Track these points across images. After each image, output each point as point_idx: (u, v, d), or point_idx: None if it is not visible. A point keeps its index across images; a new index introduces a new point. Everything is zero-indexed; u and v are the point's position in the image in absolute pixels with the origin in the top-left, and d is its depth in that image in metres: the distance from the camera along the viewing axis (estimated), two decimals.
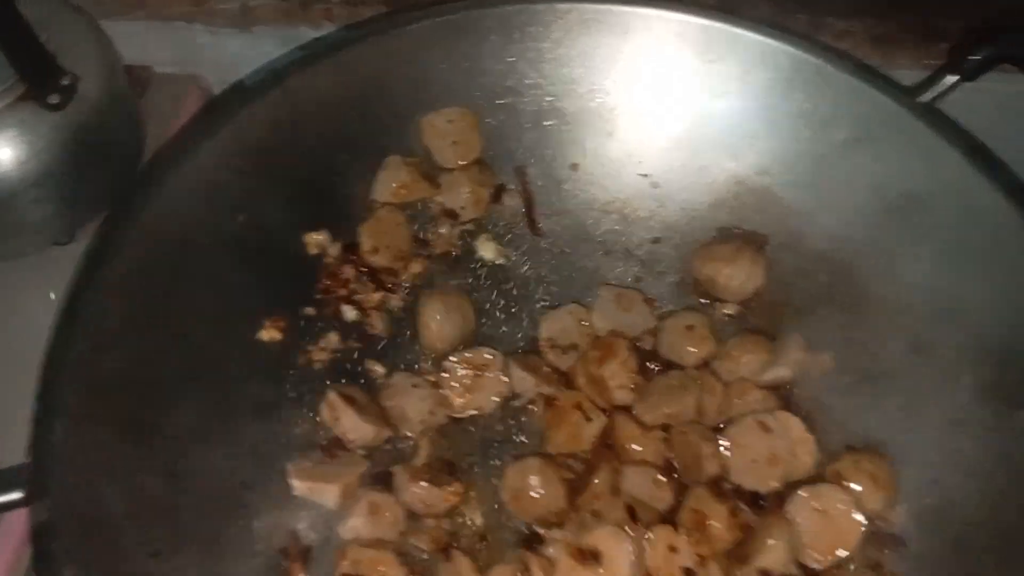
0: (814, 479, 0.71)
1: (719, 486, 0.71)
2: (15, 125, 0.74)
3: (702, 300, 0.81)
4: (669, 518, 0.70)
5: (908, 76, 0.77)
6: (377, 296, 0.80)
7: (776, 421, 0.72)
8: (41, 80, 0.74)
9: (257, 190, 0.76)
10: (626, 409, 0.75)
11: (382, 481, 0.73)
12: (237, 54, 0.94)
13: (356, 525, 0.70)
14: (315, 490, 0.71)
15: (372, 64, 0.79)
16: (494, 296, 0.81)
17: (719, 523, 0.68)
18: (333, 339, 0.79)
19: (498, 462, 0.74)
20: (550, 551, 0.68)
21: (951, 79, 0.75)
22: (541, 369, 0.77)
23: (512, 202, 0.84)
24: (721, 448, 0.72)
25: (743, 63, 0.79)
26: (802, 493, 0.70)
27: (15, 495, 0.61)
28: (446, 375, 0.76)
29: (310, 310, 0.79)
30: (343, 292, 0.80)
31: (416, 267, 0.82)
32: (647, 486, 0.71)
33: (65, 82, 0.75)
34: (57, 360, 0.65)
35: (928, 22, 0.85)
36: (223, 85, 0.85)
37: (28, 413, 0.64)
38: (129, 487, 0.66)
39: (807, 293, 0.79)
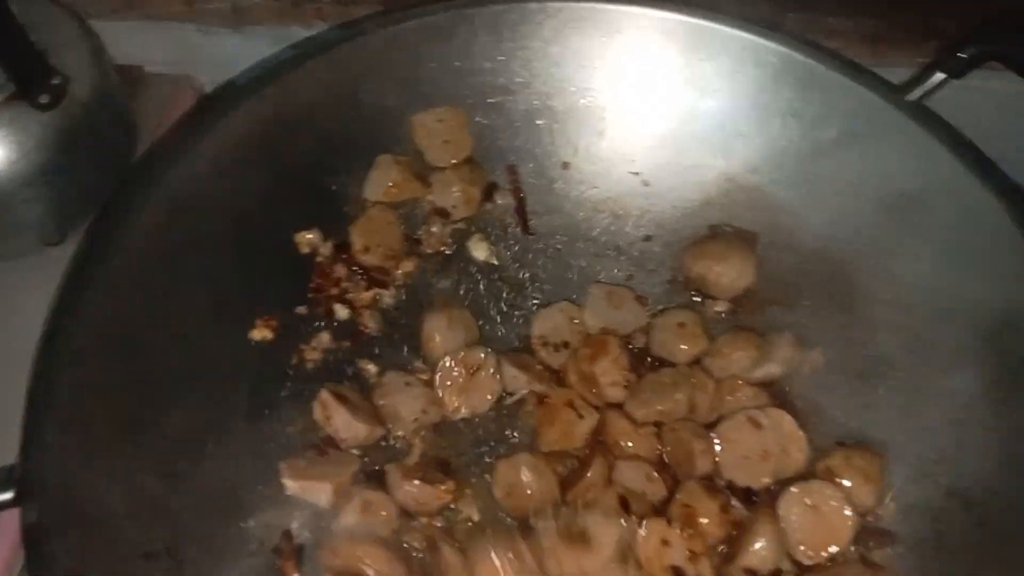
0: (805, 475, 0.72)
1: (711, 481, 0.72)
2: (5, 125, 0.74)
3: (694, 298, 0.81)
4: (662, 511, 0.70)
5: (900, 74, 0.78)
6: (369, 295, 0.80)
7: (767, 417, 0.72)
8: (31, 80, 0.74)
9: (248, 189, 0.76)
10: (618, 406, 0.75)
11: (375, 479, 0.73)
12: (229, 54, 0.93)
13: (349, 523, 0.70)
14: (307, 489, 0.71)
15: (363, 63, 0.80)
16: (486, 295, 0.82)
17: (708, 518, 0.69)
18: (325, 338, 0.79)
19: (491, 460, 0.74)
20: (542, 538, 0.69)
21: (939, 77, 0.75)
22: (533, 367, 0.77)
23: (503, 201, 0.84)
24: (714, 445, 0.72)
25: (732, 61, 0.79)
26: (793, 489, 0.70)
27: (5, 496, 0.61)
28: (440, 375, 0.76)
29: (302, 309, 0.79)
30: (335, 291, 0.80)
31: (408, 266, 0.82)
32: (640, 480, 0.71)
33: (55, 82, 0.75)
34: (48, 360, 0.65)
35: (920, 20, 0.86)
36: (215, 85, 0.85)
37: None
38: (122, 488, 0.65)
39: (797, 290, 0.79)
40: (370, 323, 0.80)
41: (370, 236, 0.80)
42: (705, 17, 0.79)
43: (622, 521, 0.68)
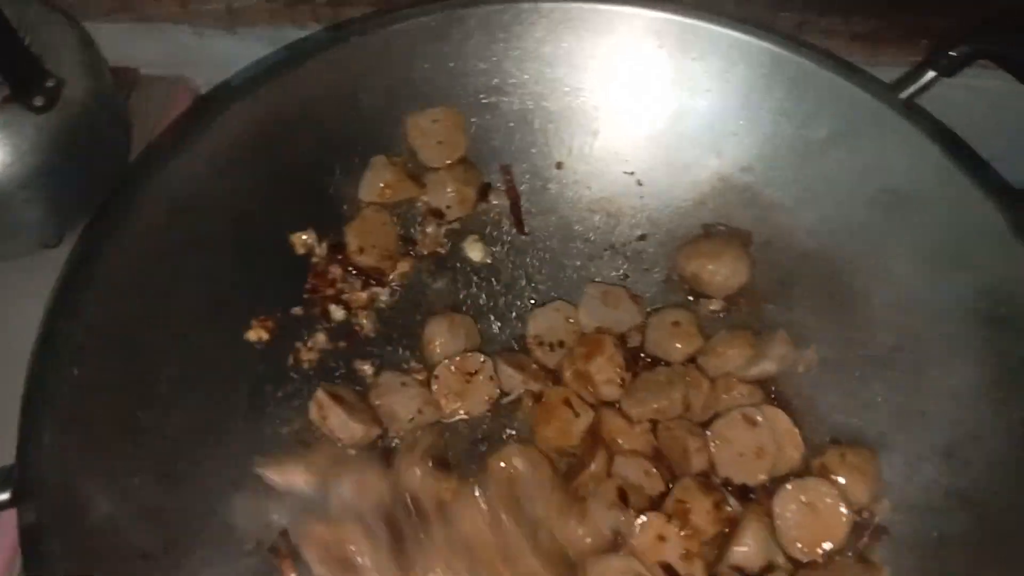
0: (801, 473, 0.72)
1: (707, 479, 0.72)
2: (0, 128, 0.74)
3: (688, 297, 0.81)
4: (659, 505, 0.71)
5: (892, 73, 0.78)
6: (365, 295, 0.80)
7: (762, 415, 0.73)
8: (26, 82, 0.74)
9: (243, 190, 0.76)
10: (613, 404, 0.75)
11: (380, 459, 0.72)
12: (224, 55, 0.93)
13: (339, 502, 0.70)
14: (284, 473, 0.71)
15: (357, 64, 0.80)
16: (482, 295, 0.82)
17: (701, 515, 0.69)
18: (321, 339, 0.79)
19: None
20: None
21: (930, 75, 0.75)
22: (529, 367, 0.77)
23: (498, 201, 0.84)
24: (709, 443, 0.73)
25: (724, 61, 0.79)
26: (789, 487, 0.70)
27: (2, 496, 0.61)
28: (437, 379, 0.76)
29: (298, 310, 0.79)
30: (331, 292, 0.80)
31: (404, 266, 0.82)
32: (639, 474, 0.72)
33: (50, 84, 0.75)
34: (44, 360, 0.65)
35: (911, 20, 0.86)
36: (210, 86, 0.85)
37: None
38: (119, 488, 0.66)
39: (791, 288, 0.80)
40: (366, 323, 0.80)
41: (365, 237, 0.81)
42: (697, 17, 0.79)
43: (619, 512, 0.69)
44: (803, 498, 0.70)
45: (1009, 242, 0.71)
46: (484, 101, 0.83)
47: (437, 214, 0.83)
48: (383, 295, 0.81)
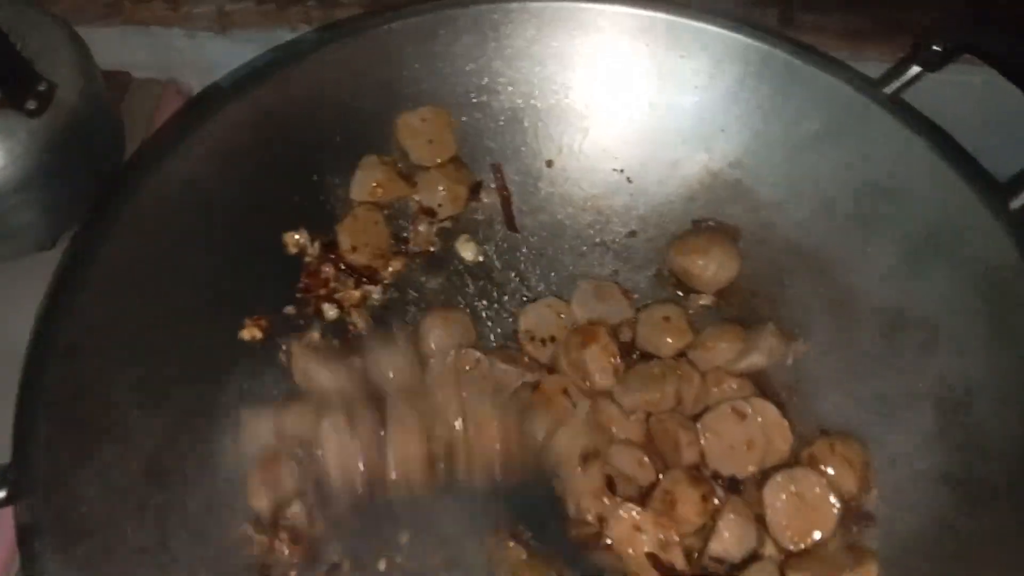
0: (790, 463, 0.73)
1: (697, 471, 0.72)
2: None
3: (678, 292, 0.82)
4: (648, 495, 0.71)
5: (878, 68, 0.78)
6: (358, 294, 0.81)
7: (752, 407, 0.73)
8: (18, 86, 0.75)
9: (235, 191, 0.77)
10: (608, 394, 0.76)
11: None
12: (215, 58, 0.94)
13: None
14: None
15: (347, 64, 0.80)
16: (474, 293, 0.82)
17: (688, 506, 0.70)
18: (315, 338, 0.79)
19: None
20: None
21: (915, 70, 0.76)
22: (522, 359, 0.78)
23: (489, 200, 0.85)
24: (700, 435, 0.73)
25: (711, 58, 0.80)
26: (778, 477, 0.71)
27: None
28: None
29: (291, 309, 0.80)
30: (324, 291, 0.81)
31: (396, 265, 0.82)
32: (632, 465, 0.72)
33: (42, 88, 0.75)
34: (39, 360, 0.66)
35: (896, 15, 0.87)
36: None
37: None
38: (115, 487, 0.66)
39: (780, 282, 0.80)
40: (359, 322, 0.80)
41: (357, 236, 0.81)
42: (684, 14, 0.80)
43: (606, 499, 0.70)
44: (793, 488, 0.70)
45: (994, 234, 0.71)
46: (474, 100, 0.84)
47: (429, 213, 0.84)
48: (376, 293, 0.81)
